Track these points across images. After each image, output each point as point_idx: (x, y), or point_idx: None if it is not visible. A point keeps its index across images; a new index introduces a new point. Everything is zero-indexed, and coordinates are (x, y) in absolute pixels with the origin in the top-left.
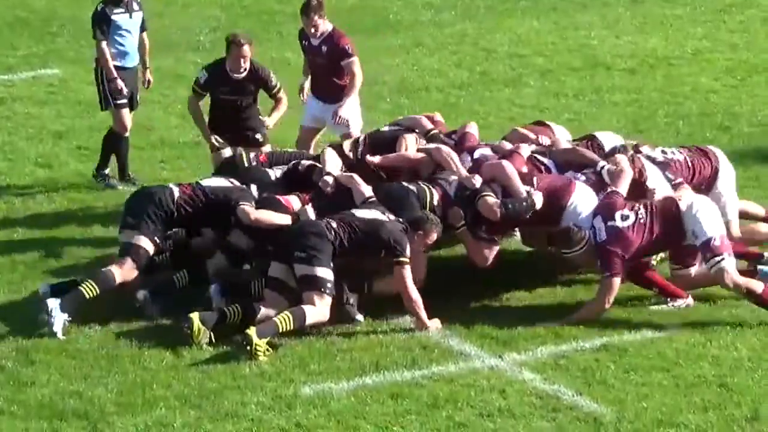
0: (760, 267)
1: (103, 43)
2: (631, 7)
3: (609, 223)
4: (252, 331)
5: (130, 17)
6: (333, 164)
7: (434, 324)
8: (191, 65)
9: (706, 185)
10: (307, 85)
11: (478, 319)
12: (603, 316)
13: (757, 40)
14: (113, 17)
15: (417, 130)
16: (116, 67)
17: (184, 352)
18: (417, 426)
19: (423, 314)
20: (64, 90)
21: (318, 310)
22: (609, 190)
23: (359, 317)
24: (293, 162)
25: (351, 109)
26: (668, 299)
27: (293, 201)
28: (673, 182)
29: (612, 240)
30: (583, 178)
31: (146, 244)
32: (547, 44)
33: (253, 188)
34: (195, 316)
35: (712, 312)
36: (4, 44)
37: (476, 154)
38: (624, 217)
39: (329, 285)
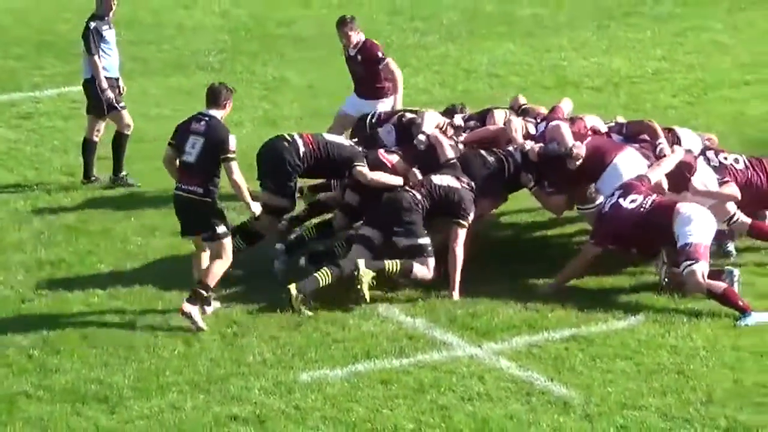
0: (726, 267)
1: (96, 57)
2: (597, 31)
3: (618, 200)
4: (361, 263)
5: (111, 31)
6: (430, 124)
7: (456, 295)
8: (201, 83)
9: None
10: None
11: (459, 311)
12: (573, 306)
13: (711, 61)
14: (103, 33)
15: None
16: (106, 78)
17: (194, 341)
18: (404, 409)
19: (458, 277)
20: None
21: (424, 268)
22: (642, 173)
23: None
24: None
25: (399, 103)
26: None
27: (395, 160)
28: (720, 181)
29: (611, 214)
30: (637, 146)
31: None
32: (522, 65)
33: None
34: (292, 286)
35: (670, 305)
36: (32, 64)
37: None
38: (632, 201)
39: (430, 248)
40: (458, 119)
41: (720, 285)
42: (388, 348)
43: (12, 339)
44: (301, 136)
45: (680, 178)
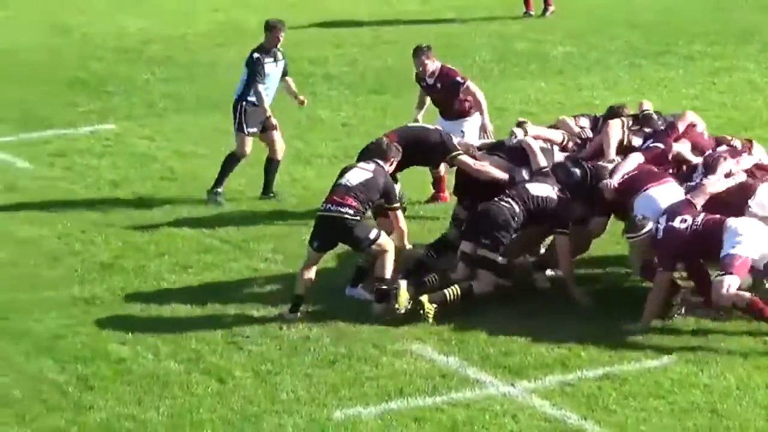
0: None
1: (260, 86)
2: (629, 70)
3: (668, 224)
4: (425, 298)
5: (275, 65)
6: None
7: (585, 300)
8: None
9: None
10: (420, 116)
11: (492, 349)
12: (605, 345)
13: (743, 100)
14: (265, 64)
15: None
16: (253, 104)
17: (227, 378)
18: None
19: (572, 283)
20: (119, 143)
21: (485, 285)
22: (689, 196)
23: (547, 284)
24: None
25: (486, 119)
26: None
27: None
28: None
29: (666, 238)
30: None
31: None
32: (554, 103)
33: None
34: (403, 282)
35: (703, 344)
36: (66, 102)
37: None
38: (682, 221)
39: (501, 268)
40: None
41: (745, 296)
42: (421, 386)
43: (46, 375)
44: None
45: (739, 199)
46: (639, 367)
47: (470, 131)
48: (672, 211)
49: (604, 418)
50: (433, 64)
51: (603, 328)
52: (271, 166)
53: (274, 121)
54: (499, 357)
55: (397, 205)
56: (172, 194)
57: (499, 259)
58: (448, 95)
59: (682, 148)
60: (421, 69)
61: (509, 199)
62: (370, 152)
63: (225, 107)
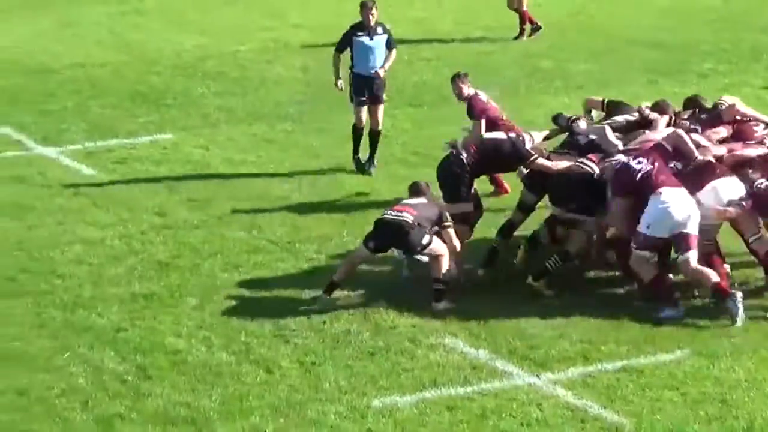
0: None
1: (335, 54)
2: (647, 86)
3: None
4: (529, 279)
5: (371, 39)
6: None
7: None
8: (281, 132)
9: None
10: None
11: (519, 343)
12: (623, 339)
13: None
14: (354, 38)
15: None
16: (356, 74)
17: (274, 369)
18: None
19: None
20: (176, 152)
21: (579, 243)
22: None
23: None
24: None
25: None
26: None
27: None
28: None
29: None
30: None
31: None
32: None
33: None
34: (529, 278)
35: (714, 339)
36: (127, 113)
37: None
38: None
39: (589, 227)
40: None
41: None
42: (454, 377)
43: (108, 365)
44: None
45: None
46: (654, 361)
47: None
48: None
49: (622, 408)
50: (467, 90)
51: (621, 324)
52: (372, 137)
53: (379, 93)
54: (525, 350)
55: (449, 224)
56: (223, 199)
57: (588, 219)
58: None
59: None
60: (456, 92)
61: (590, 163)
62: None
63: (272, 118)
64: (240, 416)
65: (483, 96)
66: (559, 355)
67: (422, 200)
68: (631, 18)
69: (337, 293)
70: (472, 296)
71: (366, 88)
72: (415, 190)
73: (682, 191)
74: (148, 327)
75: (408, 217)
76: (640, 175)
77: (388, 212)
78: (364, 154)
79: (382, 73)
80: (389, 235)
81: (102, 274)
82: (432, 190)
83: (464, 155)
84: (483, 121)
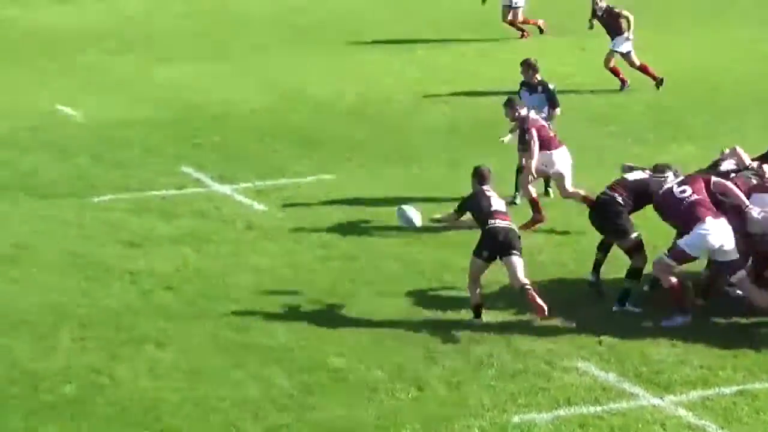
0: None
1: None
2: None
3: None
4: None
5: (530, 95)
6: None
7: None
8: (434, 173)
9: None
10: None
11: (645, 368)
12: (740, 365)
13: None
14: (520, 92)
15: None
16: None
17: (425, 387)
18: None
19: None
20: (339, 191)
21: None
22: None
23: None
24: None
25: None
26: None
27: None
28: None
29: None
30: None
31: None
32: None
33: None
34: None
35: None
36: (294, 154)
37: None
38: None
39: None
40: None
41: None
42: (585, 397)
43: (276, 381)
44: (612, 189)
45: None
46: None
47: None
48: None
49: (738, 429)
50: (521, 111)
51: (738, 351)
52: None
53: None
54: (650, 374)
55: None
56: (379, 233)
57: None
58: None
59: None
60: (510, 115)
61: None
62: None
63: (423, 161)
64: (394, 429)
65: (533, 114)
66: (681, 379)
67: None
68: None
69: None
70: (604, 323)
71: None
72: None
73: (723, 222)
74: (312, 347)
75: (514, 225)
76: (684, 203)
77: (497, 220)
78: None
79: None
80: (501, 241)
81: (271, 299)
82: None
83: (617, 196)
84: (536, 134)
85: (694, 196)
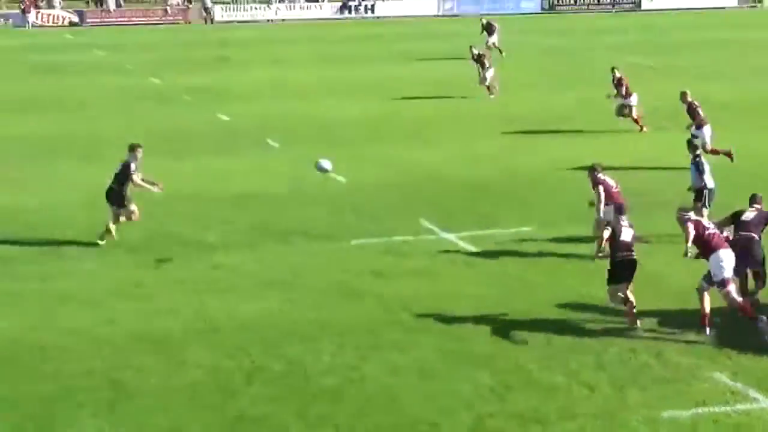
0: None
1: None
2: None
3: None
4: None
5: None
6: None
7: None
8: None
9: None
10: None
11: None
12: None
13: None
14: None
15: None
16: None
17: (595, 388)
18: None
19: None
20: (535, 239)
21: None
22: None
23: None
24: None
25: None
26: None
27: None
28: None
29: None
30: None
31: None
32: None
33: None
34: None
35: None
36: (504, 208)
37: None
38: None
39: None
40: None
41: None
42: (718, 399)
43: (482, 380)
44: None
45: None
46: None
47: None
48: None
49: None
50: (600, 176)
51: None
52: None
53: None
54: None
55: None
56: (563, 270)
57: None
58: None
59: None
60: (592, 178)
61: None
62: None
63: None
64: (570, 419)
65: (610, 180)
66: None
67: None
68: None
69: (638, 335)
70: (734, 342)
71: None
72: None
73: (731, 252)
74: (510, 355)
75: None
76: (707, 232)
77: (626, 252)
78: None
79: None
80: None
81: (481, 319)
82: None
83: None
84: (603, 192)
85: (715, 230)
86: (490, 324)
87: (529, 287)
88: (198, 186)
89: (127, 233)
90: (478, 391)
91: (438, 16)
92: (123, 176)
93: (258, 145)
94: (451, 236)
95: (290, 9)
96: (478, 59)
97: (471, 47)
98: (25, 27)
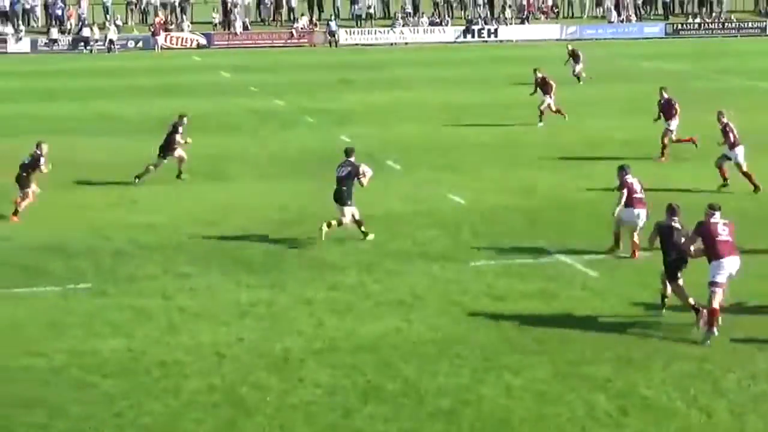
0: None
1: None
2: None
3: None
4: None
5: None
6: None
7: None
8: None
9: None
10: None
11: None
12: None
13: None
14: None
15: None
16: None
17: (713, 414)
18: None
19: None
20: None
21: None
22: None
23: None
24: None
25: None
26: None
27: None
28: None
29: None
30: None
31: None
32: None
33: None
34: None
35: None
36: (584, 233)
37: None
38: None
39: None
40: None
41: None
42: None
43: (598, 404)
44: None
45: None
46: None
47: None
48: None
49: None
50: (627, 177)
51: None
52: None
53: None
54: None
55: None
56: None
57: None
58: None
59: None
60: (620, 179)
61: None
62: None
63: None
64: None
65: (636, 184)
66: None
67: None
68: None
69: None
70: None
71: None
72: None
73: (736, 259)
74: (627, 379)
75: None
76: (719, 236)
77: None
78: None
79: None
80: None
81: (598, 342)
82: None
83: None
84: (625, 194)
85: (728, 237)
86: (607, 347)
87: (649, 312)
88: (319, 206)
89: (248, 251)
90: (594, 414)
91: (561, 40)
92: None
93: (379, 166)
94: (570, 259)
95: (414, 32)
96: (543, 83)
97: (535, 70)
98: (154, 50)
